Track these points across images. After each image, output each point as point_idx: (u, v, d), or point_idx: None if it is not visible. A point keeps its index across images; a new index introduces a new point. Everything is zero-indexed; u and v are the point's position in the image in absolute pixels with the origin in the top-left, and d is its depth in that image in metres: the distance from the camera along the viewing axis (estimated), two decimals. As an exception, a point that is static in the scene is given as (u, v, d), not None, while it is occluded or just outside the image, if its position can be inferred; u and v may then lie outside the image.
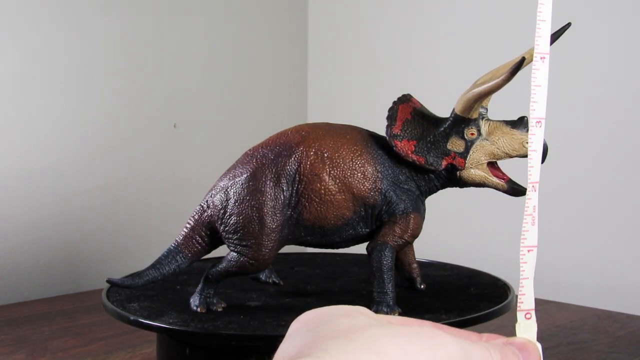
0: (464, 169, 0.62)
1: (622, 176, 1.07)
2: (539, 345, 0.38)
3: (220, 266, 0.63)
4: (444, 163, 0.63)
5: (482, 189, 0.65)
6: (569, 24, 0.59)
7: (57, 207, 1.13)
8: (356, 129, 0.65)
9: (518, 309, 0.39)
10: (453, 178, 0.64)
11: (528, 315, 0.39)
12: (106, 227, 1.19)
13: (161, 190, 1.26)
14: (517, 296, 0.40)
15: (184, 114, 1.29)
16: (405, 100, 0.65)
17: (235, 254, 0.62)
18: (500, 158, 0.62)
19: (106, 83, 1.18)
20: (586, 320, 0.94)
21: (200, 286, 0.64)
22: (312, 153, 0.62)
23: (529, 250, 0.40)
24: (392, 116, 0.64)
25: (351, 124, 0.66)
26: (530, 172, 0.40)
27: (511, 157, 0.62)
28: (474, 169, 0.62)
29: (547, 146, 0.61)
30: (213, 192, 0.64)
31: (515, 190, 0.62)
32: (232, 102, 1.36)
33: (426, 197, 0.66)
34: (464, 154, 0.62)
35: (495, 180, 0.63)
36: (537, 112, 0.40)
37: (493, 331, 0.93)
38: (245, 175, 0.63)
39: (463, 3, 1.25)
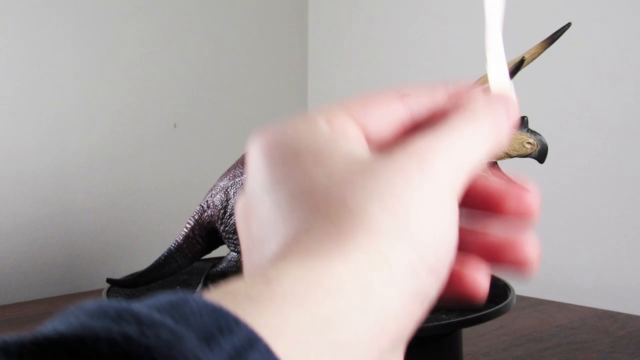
0: (464, 169, 0.62)
1: (622, 176, 1.07)
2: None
3: (220, 266, 0.63)
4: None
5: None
6: (568, 24, 0.59)
7: (57, 207, 1.13)
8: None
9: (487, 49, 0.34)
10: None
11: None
12: (106, 227, 1.19)
13: (161, 191, 1.26)
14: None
15: (184, 114, 1.29)
16: (405, 100, 0.65)
17: (235, 254, 0.62)
18: (501, 158, 0.62)
19: (106, 83, 1.18)
20: (586, 320, 0.94)
21: (200, 286, 0.64)
22: (312, 153, 0.62)
23: None
24: (392, 116, 0.63)
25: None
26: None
27: (511, 157, 0.62)
28: (474, 169, 0.62)
29: (547, 146, 0.61)
30: (213, 192, 0.64)
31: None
32: (232, 102, 1.36)
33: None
34: (464, 154, 0.62)
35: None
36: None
37: (493, 331, 0.92)
38: (245, 175, 0.63)
39: (463, 3, 1.25)
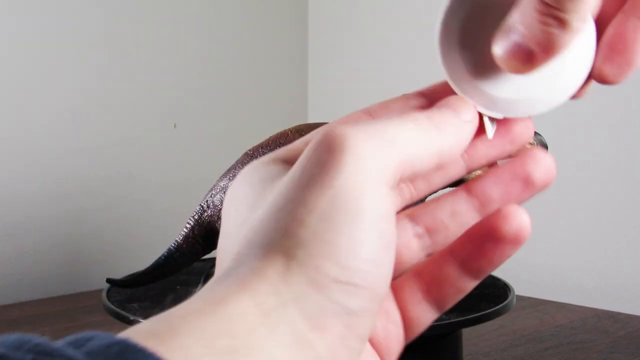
0: (464, 169, 0.62)
1: (622, 176, 1.07)
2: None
3: (220, 266, 0.63)
4: (444, 163, 0.62)
5: (482, 189, 0.65)
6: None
7: (57, 207, 1.13)
8: (356, 129, 0.65)
9: None
10: (453, 178, 0.63)
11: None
12: (106, 227, 1.19)
13: (161, 190, 1.26)
14: None
15: (184, 114, 1.29)
16: (405, 100, 0.65)
17: (235, 254, 0.62)
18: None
19: (105, 83, 1.18)
20: (586, 320, 0.94)
21: (200, 286, 0.64)
22: (312, 153, 0.62)
23: None
24: (392, 116, 0.64)
25: (351, 124, 0.66)
26: None
27: (511, 157, 0.62)
28: (474, 169, 0.62)
29: (547, 146, 0.61)
30: (213, 192, 0.64)
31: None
32: (232, 102, 1.36)
33: (426, 198, 0.66)
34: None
35: (495, 180, 0.62)
36: None
37: (493, 331, 0.92)
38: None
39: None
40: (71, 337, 0.20)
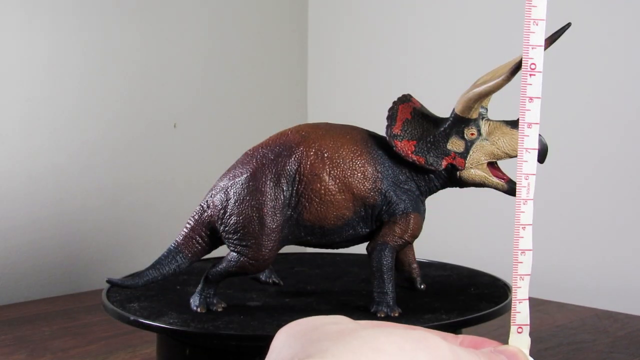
0: (464, 169, 0.62)
1: (622, 177, 1.07)
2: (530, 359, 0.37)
3: (220, 266, 0.63)
4: (444, 163, 0.63)
5: (482, 189, 0.65)
6: (569, 24, 0.59)
7: (57, 207, 1.13)
8: (356, 129, 0.65)
9: (512, 322, 0.39)
10: (453, 178, 0.64)
11: (520, 330, 0.39)
12: (106, 228, 1.19)
13: (161, 191, 1.26)
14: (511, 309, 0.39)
15: (184, 114, 1.29)
16: (405, 100, 0.65)
17: (235, 254, 0.62)
18: (500, 158, 0.62)
19: (106, 84, 1.18)
20: (586, 320, 0.94)
21: (200, 286, 0.64)
22: (312, 153, 0.63)
23: (521, 278, 0.40)
24: (392, 116, 0.64)
25: (351, 124, 0.66)
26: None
27: (511, 157, 0.62)
28: (474, 169, 0.63)
29: (547, 147, 0.61)
30: (213, 192, 0.64)
31: (515, 190, 0.62)
32: (232, 102, 1.36)
33: (426, 197, 0.66)
34: (464, 154, 0.62)
35: (495, 180, 0.63)
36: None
37: (493, 331, 0.92)
38: (245, 176, 0.63)
39: (463, 3, 1.25)
40: None
